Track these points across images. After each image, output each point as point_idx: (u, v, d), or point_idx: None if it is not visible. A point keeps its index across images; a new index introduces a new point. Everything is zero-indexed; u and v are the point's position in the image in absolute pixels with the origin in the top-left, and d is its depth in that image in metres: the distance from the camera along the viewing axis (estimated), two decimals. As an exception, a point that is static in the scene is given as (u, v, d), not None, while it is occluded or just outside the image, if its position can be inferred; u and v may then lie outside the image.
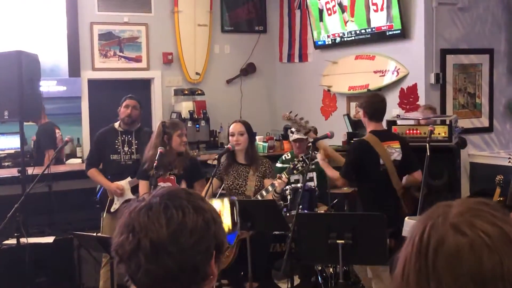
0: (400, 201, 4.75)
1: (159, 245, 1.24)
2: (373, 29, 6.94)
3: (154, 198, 1.30)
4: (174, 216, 1.26)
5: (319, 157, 4.86)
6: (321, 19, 7.69)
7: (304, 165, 4.60)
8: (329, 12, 7.53)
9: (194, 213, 1.27)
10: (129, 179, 5.36)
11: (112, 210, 5.39)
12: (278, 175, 4.71)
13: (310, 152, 4.57)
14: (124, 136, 5.45)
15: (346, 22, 7.30)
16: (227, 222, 1.56)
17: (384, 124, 5.92)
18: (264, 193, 4.68)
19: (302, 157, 4.61)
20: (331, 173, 4.81)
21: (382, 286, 4.61)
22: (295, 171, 4.65)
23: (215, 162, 4.84)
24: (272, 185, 4.66)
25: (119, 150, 5.43)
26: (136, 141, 5.43)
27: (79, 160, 7.54)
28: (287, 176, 4.67)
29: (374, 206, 4.54)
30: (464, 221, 0.96)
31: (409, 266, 0.98)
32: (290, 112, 4.94)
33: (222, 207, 1.53)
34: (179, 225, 1.25)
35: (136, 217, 1.27)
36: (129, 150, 5.43)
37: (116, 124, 5.54)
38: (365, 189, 4.78)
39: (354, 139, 6.17)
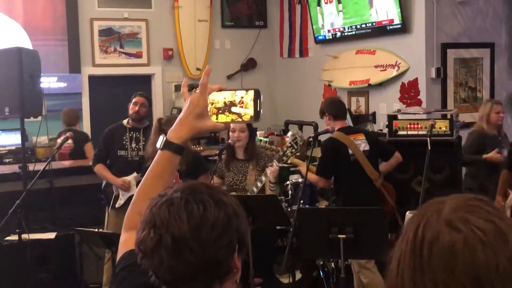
0: (379, 192, 4.88)
1: (181, 241, 1.23)
2: (374, 24, 6.93)
3: (175, 193, 1.28)
4: (195, 211, 1.24)
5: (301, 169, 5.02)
6: (318, 3, 7.69)
7: (293, 150, 4.62)
8: (326, 0, 7.54)
9: (216, 207, 1.26)
10: (135, 174, 5.37)
11: (117, 206, 5.39)
12: (269, 164, 4.72)
13: (311, 147, 4.61)
14: (132, 132, 5.48)
15: (340, 11, 7.31)
16: (249, 112, 1.53)
17: (385, 118, 5.93)
18: (258, 184, 4.69)
19: (290, 142, 4.62)
20: (312, 178, 4.96)
21: (370, 274, 4.69)
22: (284, 157, 4.66)
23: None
24: (265, 174, 4.68)
25: (126, 146, 5.45)
26: (144, 138, 5.44)
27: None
28: (278, 164, 4.67)
29: (351, 197, 4.67)
30: (458, 218, 0.96)
31: (403, 263, 0.98)
32: (261, 141, 5.27)
33: (246, 95, 1.51)
34: (200, 220, 1.24)
35: (157, 212, 1.26)
36: (137, 146, 5.45)
37: (125, 121, 5.57)
38: (341, 183, 4.88)
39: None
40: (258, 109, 1.54)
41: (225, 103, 1.56)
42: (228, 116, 1.55)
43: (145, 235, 1.25)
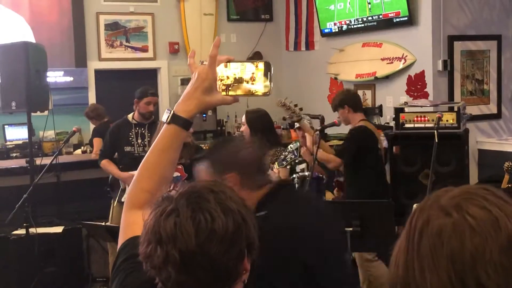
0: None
1: (189, 257, 1.17)
2: (380, 16, 6.90)
3: (181, 199, 1.21)
4: (202, 224, 1.17)
5: (308, 139, 4.72)
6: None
7: (292, 156, 4.59)
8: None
9: (224, 216, 1.19)
10: None
11: (123, 199, 5.40)
12: (271, 165, 4.69)
13: (318, 140, 4.57)
14: (138, 128, 5.51)
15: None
16: (259, 87, 1.48)
17: (392, 111, 5.91)
18: None
19: (290, 147, 4.58)
20: (325, 156, 4.82)
21: (377, 264, 4.68)
22: (284, 162, 4.62)
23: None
24: None
25: (132, 142, 5.48)
26: (149, 134, 5.46)
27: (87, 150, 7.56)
28: (278, 167, 4.63)
29: (378, 189, 4.66)
30: (452, 204, 0.94)
31: (399, 250, 0.97)
32: (286, 98, 5.04)
33: (257, 70, 1.46)
34: (209, 234, 1.17)
35: (163, 225, 1.19)
36: (142, 142, 5.48)
37: (130, 116, 5.57)
38: (366, 174, 4.85)
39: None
40: (269, 83, 1.47)
41: (235, 78, 1.49)
42: (239, 92, 1.50)
43: (152, 251, 1.19)
